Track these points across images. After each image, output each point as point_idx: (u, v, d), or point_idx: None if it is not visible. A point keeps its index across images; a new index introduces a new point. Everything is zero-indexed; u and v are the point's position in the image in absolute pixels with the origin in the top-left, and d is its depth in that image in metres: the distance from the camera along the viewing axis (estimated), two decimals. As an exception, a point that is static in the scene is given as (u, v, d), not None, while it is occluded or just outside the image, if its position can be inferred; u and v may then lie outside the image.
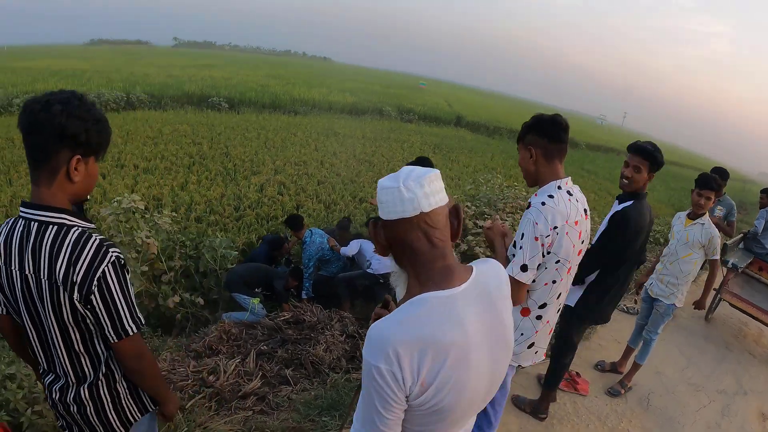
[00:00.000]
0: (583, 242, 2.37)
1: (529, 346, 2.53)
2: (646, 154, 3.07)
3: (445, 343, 1.11)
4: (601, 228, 3.16)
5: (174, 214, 6.69)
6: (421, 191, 1.17)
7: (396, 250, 1.25)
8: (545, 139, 2.27)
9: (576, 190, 2.38)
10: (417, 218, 1.18)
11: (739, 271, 6.56)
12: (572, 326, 3.36)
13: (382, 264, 5.41)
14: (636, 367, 4.43)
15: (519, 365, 2.59)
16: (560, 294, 2.46)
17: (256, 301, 5.17)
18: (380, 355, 1.09)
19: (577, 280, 2.98)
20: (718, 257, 4.08)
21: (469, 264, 1.30)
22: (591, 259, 2.95)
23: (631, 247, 3.06)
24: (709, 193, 3.97)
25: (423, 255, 1.21)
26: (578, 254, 2.39)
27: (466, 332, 1.15)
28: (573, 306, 3.19)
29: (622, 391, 4.37)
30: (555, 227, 2.19)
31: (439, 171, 1.28)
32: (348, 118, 23.79)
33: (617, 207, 3.14)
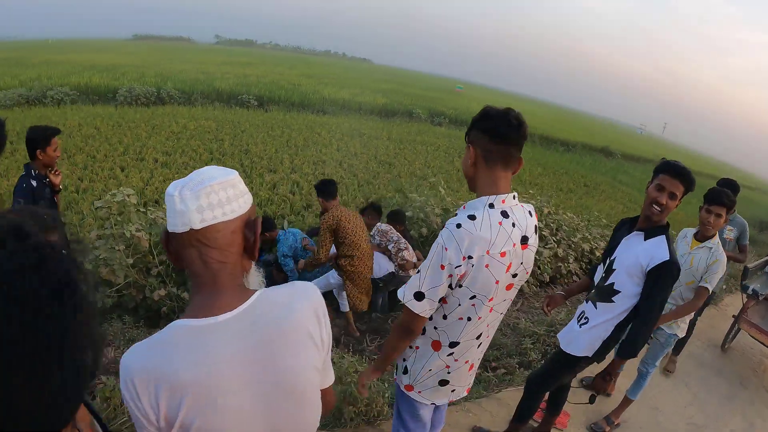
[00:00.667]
0: (516, 276, 1.95)
1: (442, 384, 2.14)
2: (687, 179, 2.59)
3: (180, 381, 0.96)
4: (634, 271, 2.62)
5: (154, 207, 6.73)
6: (194, 204, 1.01)
7: (184, 265, 1.09)
8: (487, 136, 1.84)
9: (520, 211, 1.91)
10: (188, 234, 1.03)
11: (760, 298, 5.71)
12: (568, 369, 2.95)
13: (378, 267, 5.25)
14: (626, 402, 3.93)
15: (433, 403, 2.22)
16: (481, 335, 2.05)
17: None
18: (122, 383, 0.98)
19: (630, 349, 2.62)
20: (709, 287, 3.45)
21: (261, 290, 1.13)
22: (650, 319, 2.58)
23: None
24: (720, 209, 3.39)
25: (196, 276, 1.06)
26: (507, 289, 1.96)
27: (212, 372, 0.98)
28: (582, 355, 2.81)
29: (607, 429, 3.88)
30: (469, 257, 1.77)
31: (234, 176, 1.12)
32: (376, 119, 23.74)
33: (651, 247, 2.59)
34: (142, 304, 5.33)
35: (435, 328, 1.99)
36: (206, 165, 10.56)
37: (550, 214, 8.03)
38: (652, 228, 2.63)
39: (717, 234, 3.58)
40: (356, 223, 4.72)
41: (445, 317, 1.94)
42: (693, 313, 3.78)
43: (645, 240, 2.62)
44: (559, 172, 18.38)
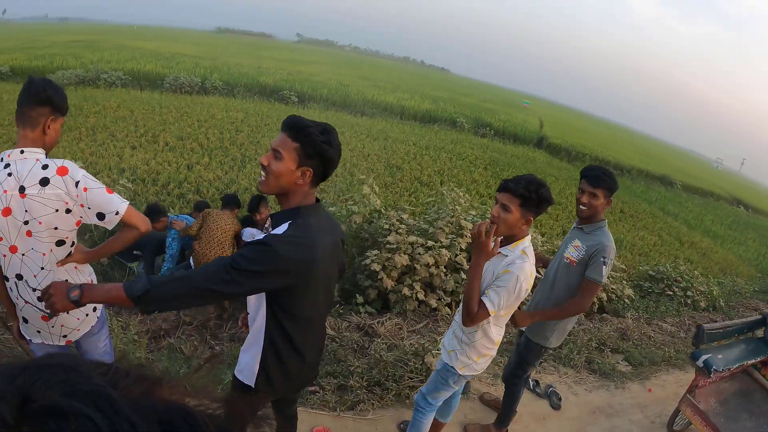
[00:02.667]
0: (27, 223, 2.03)
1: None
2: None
3: None
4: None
5: (128, 183, 7.63)
6: None
7: None
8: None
9: (23, 162, 2.03)
10: None
11: (714, 377, 3.90)
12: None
13: None
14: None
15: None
16: (21, 276, 2.15)
17: (134, 265, 5.63)
18: None
19: None
20: (489, 304, 2.43)
21: None
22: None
23: None
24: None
25: None
26: (27, 235, 2.06)
27: None
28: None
29: None
30: None
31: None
32: (414, 124, 24.26)
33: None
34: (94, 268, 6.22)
35: None
36: (210, 152, 11.58)
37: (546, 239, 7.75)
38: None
39: (528, 236, 2.55)
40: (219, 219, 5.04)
41: None
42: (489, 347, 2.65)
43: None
44: None
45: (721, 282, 8.84)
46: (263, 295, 1.92)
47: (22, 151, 2.03)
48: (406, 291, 4.81)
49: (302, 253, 1.80)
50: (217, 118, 17.10)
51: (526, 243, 2.43)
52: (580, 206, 3.02)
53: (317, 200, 1.98)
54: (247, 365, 2.06)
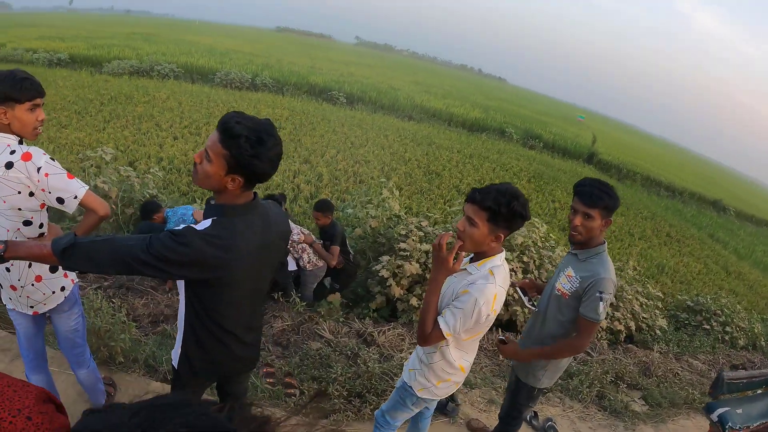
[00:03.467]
0: None
1: None
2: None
3: None
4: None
5: (160, 171, 7.74)
6: None
7: None
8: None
9: None
10: None
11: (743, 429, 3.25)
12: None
13: None
14: None
15: None
16: None
17: None
18: None
19: None
20: (443, 325, 2.16)
21: None
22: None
23: None
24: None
25: None
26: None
27: None
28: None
29: None
30: None
31: None
32: (461, 132, 24.06)
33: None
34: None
35: None
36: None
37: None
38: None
39: (501, 254, 2.19)
40: None
41: None
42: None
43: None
44: (641, 216, 17.66)
45: (765, 319, 8.26)
46: (183, 282, 1.91)
47: None
48: (414, 301, 4.63)
49: (216, 253, 1.76)
50: (262, 114, 17.24)
51: (496, 261, 2.11)
52: (572, 231, 2.52)
53: (255, 195, 1.91)
54: (175, 348, 2.10)
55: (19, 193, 2.16)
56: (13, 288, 2.41)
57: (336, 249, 5.19)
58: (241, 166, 1.71)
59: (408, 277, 4.73)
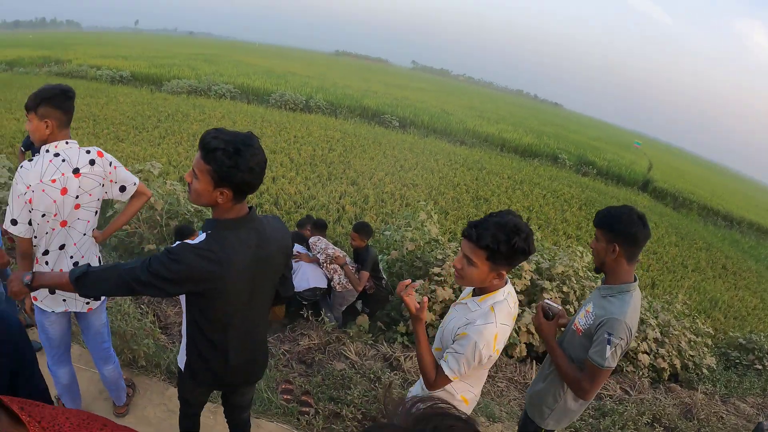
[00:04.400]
0: (78, 197, 2.51)
1: None
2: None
3: None
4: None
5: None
6: None
7: None
8: (59, 110, 2.43)
9: (70, 150, 2.50)
10: None
11: None
12: None
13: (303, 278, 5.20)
14: None
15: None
16: (65, 245, 2.59)
17: None
18: None
19: None
20: (447, 370, 2.02)
21: None
22: None
23: None
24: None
25: None
26: (75, 208, 2.53)
27: None
28: None
29: None
30: (29, 185, 2.37)
31: None
32: (513, 157, 23.78)
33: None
34: (137, 248, 6.56)
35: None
36: (298, 167, 12.01)
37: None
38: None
39: (504, 288, 2.06)
40: None
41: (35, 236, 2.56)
42: None
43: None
44: (696, 246, 17.01)
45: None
46: (184, 296, 2.04)
47: (67, 142, 2.50)
48: None
49: (208, 267, 1.83)
50: (313, 135, 17.64)
51: (498, 297, 1.99)
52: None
53: (251, 209, 2.00)
54: (181, 353, 2.26)
55: (101, 185, 2.61)
56: None
57: (365, 275, 5.16)
58: (224, 179, 1.78)
59: (441, 302, 4.66)
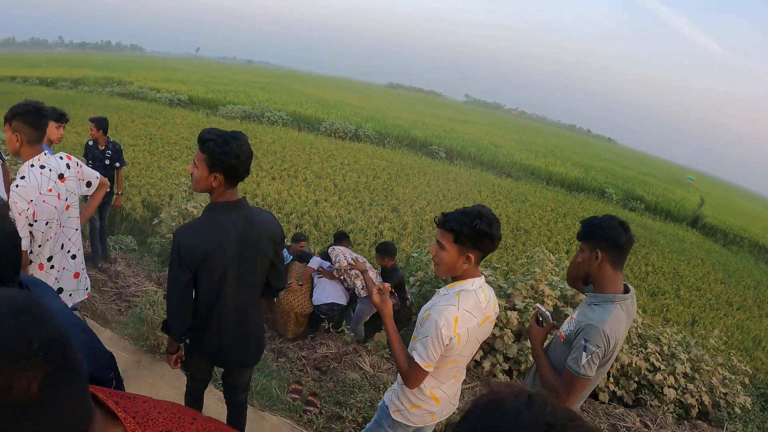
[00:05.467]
0: (67, 199, 2.87)
1: None
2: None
3: None
4: None
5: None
6: None
7: None
8: (30, 126, 2.67)
9: (50, 160, 2.79)
10: None
11: None
12: None
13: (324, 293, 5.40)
14: None
15: None
16: (63, 245, 2.94)
17: None
18: None
19: None
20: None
21: None
22: None
23: None
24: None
25: None
26: (66, 209, 2.88)
27: None
28: None
29: None
30: (30, 200, 2.63)
31: None
32: (559, 191, 23.55)
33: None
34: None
35: None
36: (341, 192, 12.32)
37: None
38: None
39: (475, 279, 2.16)
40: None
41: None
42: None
43: None
44: (743, 284, 16.28)
45: None
46: None
47: (45, 153, 2.80)
48: None
49: (193, 241, 2.22)
50: (360, 163, 17.98)
51: (466, 286, 2.10)
52: None
53: (244, 199, 2.36)
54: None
55: (78, 183, 3.00)
56: (77, 275, 3.09)
57: (386, 285, 5.25)
58: (216, 164, 2.16)
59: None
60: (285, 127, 24.03)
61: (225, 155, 2.15)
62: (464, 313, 2.06)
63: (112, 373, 1.35)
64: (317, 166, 16.02)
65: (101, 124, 5.71)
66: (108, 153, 5.80)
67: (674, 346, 5.70)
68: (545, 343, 2.55)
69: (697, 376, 5.49)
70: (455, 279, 2.15)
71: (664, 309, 10.13)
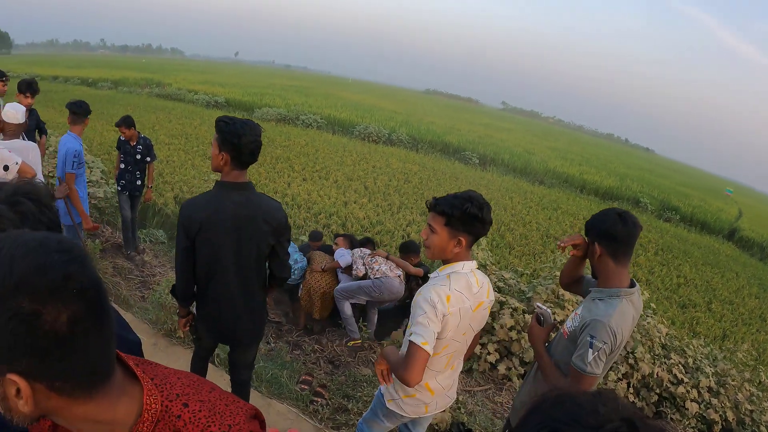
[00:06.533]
0: None
1: None
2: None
3: None
4: None
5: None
6: None
7: None
8: None
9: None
10: None
11: None
12: None
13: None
14: None
15: None
16: None
17: None
18: None
19: None
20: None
21: None
22: None
23: None
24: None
25: None
26: None
27: None
28: None
29: None
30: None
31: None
32: (592, 199, 23.18)
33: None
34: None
35: None
36: (371, 194, 12.40)
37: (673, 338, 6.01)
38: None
39: (465, 263, 2.16)
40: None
41: None
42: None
43: None
44: None
45: None
46: None
47: None
48: (476, 349, 4.55)
49: (191, 211, 2.47)
50: (392, 167, 18.02)
51: (456, 268, 2.10)
52: None
53: (250, 183, 2.56)
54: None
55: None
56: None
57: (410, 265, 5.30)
58: (223, 143, 2.41)
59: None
60: (319, 130, 24.28)
61: (230, 134, 2.38)
62: (456, 293, 2.05)
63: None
64: (349, 169, 16.12)
65: (127, 122, 5.80)
66: (139, 148, 5.93)
67: (700, 359, 5.53)
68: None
69: (722, 390, 5.27)
70: (446, 263, 2.14)
71: (694, 322, 9.89)
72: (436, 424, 3.27)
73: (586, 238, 2.26)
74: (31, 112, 5.18)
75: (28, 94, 5.14)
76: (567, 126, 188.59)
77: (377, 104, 42.63)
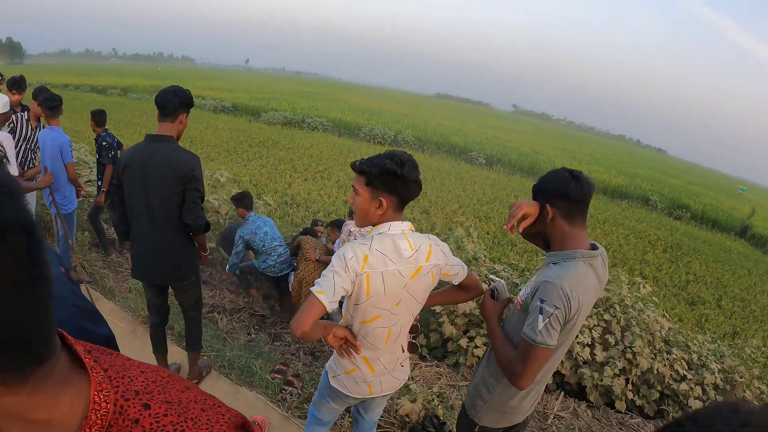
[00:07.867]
0: None
1: None
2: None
3: None
4: None
5: (270, 201, 8.37)
6: None
7: None
8: None
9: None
10: None
11: None
12: None
13: None
14: None
15: None
16: None
17: None
18: None
19: None
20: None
21: None
22: None
23: None
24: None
25: None
26: None
27: None
28: None
29: None
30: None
31: None
32: (602, 198, 22.86)
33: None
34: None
35: None
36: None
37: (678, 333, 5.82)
38: None
39: (391, 223, 1.97)
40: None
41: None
42: None
43: None
44: None
45: None
46: None
47: None
48: (463, 342, 4.40)
49: (122, 157, 2.85)
50: (396, 168, 17.94)
51: (381, 229, 1.95)
52: None
53: (170, 137, 2.84)
54: None
55: None
56: None
57: None
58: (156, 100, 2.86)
59: (462, 315, 4.58)
60: (325, 133, 24.32)
61: (160, 93, 2.89)
62: (377, 253, 1.88)
63: None
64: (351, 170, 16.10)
65: (94, 118, 5.68)
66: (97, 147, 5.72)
67: (706, 354, 5.31)
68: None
69: (728, 388, 5.08)
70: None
71: (703, 318, 9.69)
72: (407, 415, 3.13)
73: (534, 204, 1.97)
74: (24, 109, 5.27)
75: (14, 91, 5.14)
76: (578, 128, 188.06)
77: (385, 108, 42.63)
